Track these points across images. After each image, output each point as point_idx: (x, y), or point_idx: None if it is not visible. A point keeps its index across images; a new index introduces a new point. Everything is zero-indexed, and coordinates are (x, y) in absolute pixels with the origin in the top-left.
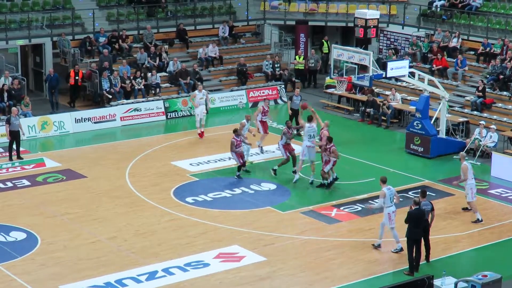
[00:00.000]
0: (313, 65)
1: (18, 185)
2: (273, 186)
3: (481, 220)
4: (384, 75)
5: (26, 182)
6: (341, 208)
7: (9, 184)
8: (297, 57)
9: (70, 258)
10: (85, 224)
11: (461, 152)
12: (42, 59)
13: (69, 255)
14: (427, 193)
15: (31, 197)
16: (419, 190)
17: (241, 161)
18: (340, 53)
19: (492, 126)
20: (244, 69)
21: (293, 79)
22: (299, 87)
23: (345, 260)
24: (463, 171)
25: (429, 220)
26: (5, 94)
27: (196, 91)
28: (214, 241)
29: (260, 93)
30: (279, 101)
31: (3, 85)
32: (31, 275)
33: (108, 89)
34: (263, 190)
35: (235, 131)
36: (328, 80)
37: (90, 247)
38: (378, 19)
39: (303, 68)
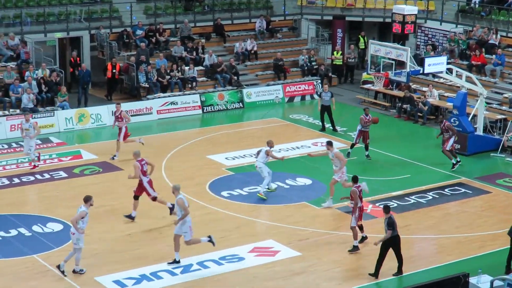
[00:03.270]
0: (352, 60)
1: (55, 177)
2: (308, 181)
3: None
4: (421, 71)
5: (63, 174)
6: (377, 204)
7: (47, 175)
8: (335, 52)
9: (106, 250)
10: (120, 217)
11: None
12: (80, 52)
13: (105, 247)
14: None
15: (68, 189)
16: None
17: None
18: (377, 48)
19: None
20: (281, 64)
21: (330, 74)
22: (327, 84)
23: None
24: (179, 206)
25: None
26: (43, 86)
27: (23, 121)
28: (249, 235)
29: (296, 88)
30: (315, 96)
31: (41, 78)
32: (67, 266)
33: (144, 83)
34: (298, 185)
35: (365, 109)
36: (365, 75)
37: (126, 240)
38: (416, 14)
39: (341, 63)
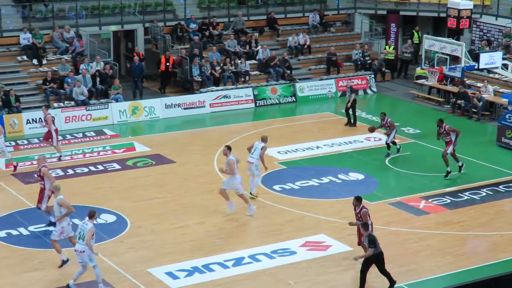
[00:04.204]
0: (409, 55)
1: (108, 169)
2: (361, 176)
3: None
4: (476, 67)
5: (117, 166)
6: (430, 200)
7: (100, 167)
8: (387, 47)
9: (158, 242)
10: (173, 209)
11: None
12: (134, 45)
13: (157, 239)
14: None
15: (121, 181)
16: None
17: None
18: (431, 43)
19: None
20: (334, 59)
21: (383, 69)
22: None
23: (431, 253)
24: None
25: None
26: (97, 79)
27: None
28: (301, 229)
29: (349, 82)
30: (368, 91)
31: (96, 70)
32: (120, 257)
33: (197, 76)
34: (351, 180)
35: (381, 114)
36: (418, 70)
37: (178, 232)
38: (471, 9)
39: (393, 58)
